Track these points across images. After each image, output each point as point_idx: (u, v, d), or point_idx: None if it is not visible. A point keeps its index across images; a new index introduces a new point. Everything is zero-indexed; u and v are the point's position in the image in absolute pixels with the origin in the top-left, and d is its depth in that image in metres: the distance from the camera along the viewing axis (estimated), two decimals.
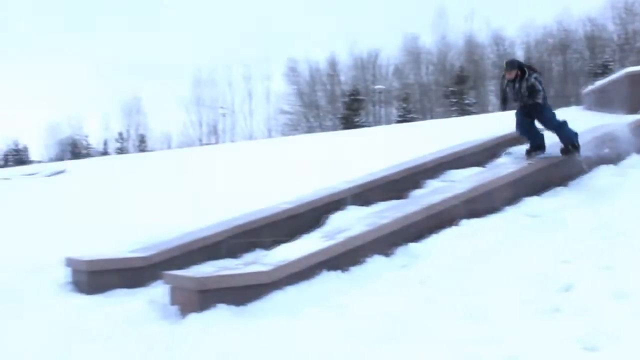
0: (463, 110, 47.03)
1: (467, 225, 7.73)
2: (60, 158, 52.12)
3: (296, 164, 15.17)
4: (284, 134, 49.63)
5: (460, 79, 53.60)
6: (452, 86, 53.18)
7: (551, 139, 9.73)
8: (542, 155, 9.59)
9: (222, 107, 57.87)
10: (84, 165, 25.60)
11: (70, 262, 7.59)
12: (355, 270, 6.87)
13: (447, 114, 42.93)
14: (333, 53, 58.40)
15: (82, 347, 5.33)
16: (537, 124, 9.72)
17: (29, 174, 25.18)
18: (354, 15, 74.82)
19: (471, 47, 56.11)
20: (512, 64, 9.60)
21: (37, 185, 20.16)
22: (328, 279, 6.61)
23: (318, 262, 6.72)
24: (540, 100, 9.30)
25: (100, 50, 79.64)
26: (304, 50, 73.17)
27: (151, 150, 46.44)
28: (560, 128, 9.56)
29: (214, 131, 57.80)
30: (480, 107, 49.57)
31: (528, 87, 9.30)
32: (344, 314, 5.71)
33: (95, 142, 62.92)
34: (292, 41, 74.57)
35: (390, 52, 57.02)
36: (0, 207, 15.98)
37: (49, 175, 23.02)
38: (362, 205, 8.89)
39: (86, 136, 63.10)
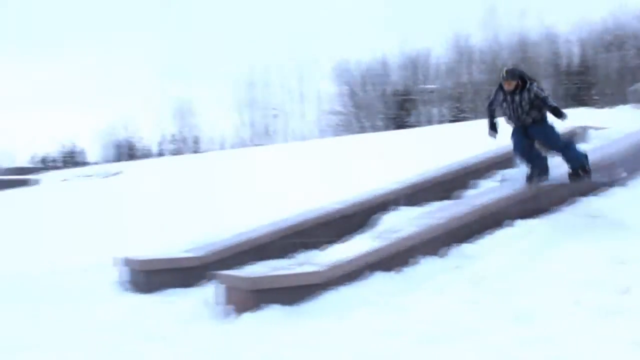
0: None
1: (522, 226, 7.61)
2: (116, 160, 53.02)
3: (347, 164, 15.17)
4: (335, 134, 49.55)
5: None
6: None
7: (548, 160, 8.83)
8: (546, 182, 8.46)
9: (274, 109, 58.19)
10: (140, 167, 26.02)
11: (127, 262, 7.75)
12: (407, 271, 6.85)
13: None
14: (384, 53, 58.20)
15: (137, 346, 5.42)
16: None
17: (86, 176, 25.74)
18: (404, 15, 74.49)
19: (524, 45, 55.25)
20: (513, 73, 8.24)
21: (94, 187, 20.58)
22: (380, 280, 6.61)
23: (370, 263, 6.73)
24: (554, 104, 8.19)
25: (153, 51, 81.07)
26: (355, 50, 73.26)
27: (205, 152, 46.90)
28: (568, 149, 8.40)
29: (266, 132, 58.12)
30: None
31: (531, 99, 8.10)
32: (396, 314, 5.71)
33: (150, 144, 63.94)
34: (343, 41, 74.68)
35: (441, 51, 56.57)
36: (58, 208, 16.38)
37: (105, 177, 23.49)
38: (414, 205, 8.84)
39: (141, 138, 64.14)
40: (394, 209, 8.71)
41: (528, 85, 8.18)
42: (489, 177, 9.78)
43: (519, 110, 8.20)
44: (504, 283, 6.19)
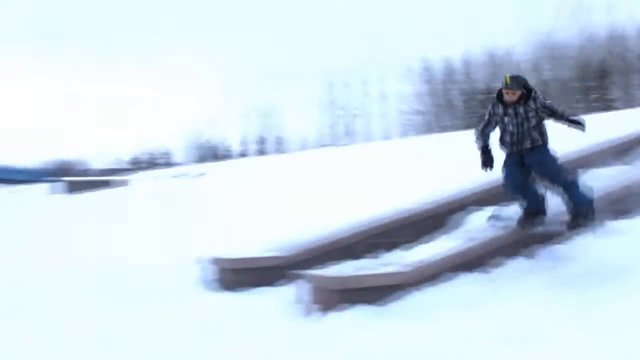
0: (607, 106, 44.97)
1: (615, 227, 7.37)
2: (200, 160, 54.06)
3: (430, 163, 15.03)
4: (416, 133, 49.16)
5: (602, 74, 51.39)
6: (593, 81, 51.08)
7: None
8: (542, 227, 7.19)
9: (355, 108, 58.27)
10: (224, 168, 26.46)
11: (215, 261, 7.91)
12: (495, 273, 6.75)
13: (588, 110, 41.24)
14: (467, 51, 57.45)
15: (226, 343, 5.55)
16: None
17: (172, 177, 26.36)
18: (487, 11, 73.36)
19: (613, 40, 53.56)
20: (518, 81, 6.88)
21: (179, 187, 21.04)
22: (467, 281, 6.54)
23: (456, 264, 6.68)
24: (568, 111, 7.08)
25: (236, 51, 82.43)
26: (436, 49, 72.56)
27: (287, 152, 47.36)
28: (572, 187, 6.95)
29: (347, 132, 58.23)
30: (626, 103, 47.17)
31: (537, 110, 6.84)
32: (482, 317, 5.64)
33: (233, 144, 64.93)
34: (424, 40, 74.11)
35: (526, 47, 55.39)
36: (145, 208, 16.83)
37: (191, 178, 24.00)
38: (501, 205, 8.68)
39: (224, 139, 65.22)
40: (482, 209, 8.58)
41: (533, 94, 6.91)
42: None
43: (525, 124, 6.86)
44: (595, 287, 6.03)
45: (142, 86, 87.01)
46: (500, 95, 7.03)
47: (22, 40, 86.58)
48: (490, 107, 7.16)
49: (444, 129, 50.23)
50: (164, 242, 10.79)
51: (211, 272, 7.92)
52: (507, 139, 7.00)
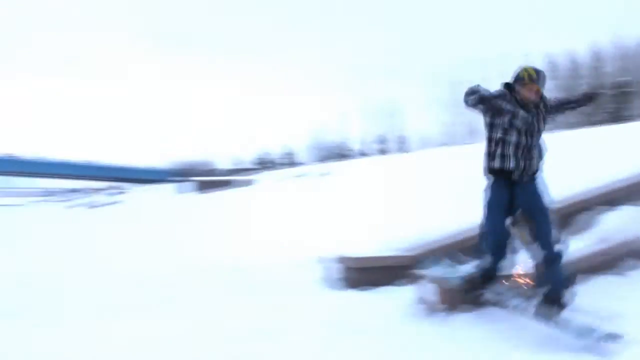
0: None
1: None
2: (323, 160, 54.68)
3: (560, 160, 14.53)
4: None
5: None
6: None
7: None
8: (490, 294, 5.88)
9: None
10: (348, 167, 26.66)
11: (341, 259, 7.97)
12: (633, 276, 6.46)
13: None
14: (594, 43, 55.28)
15: (350, 339, 5.59)
16: None
17: (297, 176, 26.81)
18: (615, 1, 70.30)
19: None
20: (544, 77, 5.53)
21: (303, 187, 21.37)
22: (603, 284, 6.29)
23: (591, 265, 6.42)
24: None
25: (357, 53, 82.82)
26: (564, 42, 70.22)
27: (410, 151, 47.12)
28: (557, 260, 5.43)
29: (470, 130, 57.32)
30: None
31: (548, 113, 5.63)
32: (617, 323, 5.39)
33: (356, 144, 65.32)
34: (551, 33, 71.83)
35: None
36: (269, 207, 17.19)
37: (316, 177, 24.33)
38: (638, 205, 8.27)
39: (347, 138, 65.72)
40: (616, 208, 8.21)
41: (544, 96, 5.63)
42: None
43: (535, 137, 5.58)
44: None
45: (266, 87, 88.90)
46: (510, 90, 5.60)
47: (141, 43, 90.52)
48: (498, 95, 5.48)
49: (569, 125, 48.58)
50: (289, 239, 10.97)
51: (336, 270, 7.97)
52: (514, 139, 5.53)
